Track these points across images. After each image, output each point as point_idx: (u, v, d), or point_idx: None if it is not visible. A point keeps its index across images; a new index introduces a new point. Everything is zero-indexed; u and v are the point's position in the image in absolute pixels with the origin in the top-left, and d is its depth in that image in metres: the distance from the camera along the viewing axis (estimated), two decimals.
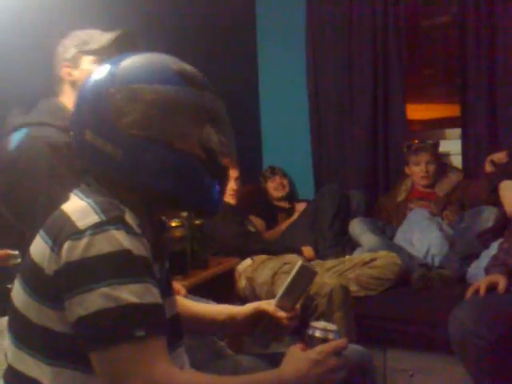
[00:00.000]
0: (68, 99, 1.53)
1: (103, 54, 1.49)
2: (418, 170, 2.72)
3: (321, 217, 2.68)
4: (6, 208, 1.44)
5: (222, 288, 2.00)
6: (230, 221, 2.40)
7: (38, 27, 1.86)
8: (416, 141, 2.78)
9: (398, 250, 2.41)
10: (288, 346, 0.95)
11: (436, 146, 2.79)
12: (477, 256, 2.28)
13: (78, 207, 0.88)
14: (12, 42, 1.81)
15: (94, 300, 0.80)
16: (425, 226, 2.48)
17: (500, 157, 2.49)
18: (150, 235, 0.92)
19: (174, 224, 1.92)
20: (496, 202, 2.38)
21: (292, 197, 3.14)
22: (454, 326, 1.65)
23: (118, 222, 0.84)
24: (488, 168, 2.52)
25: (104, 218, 0.84)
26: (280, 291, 1.15)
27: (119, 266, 0.82)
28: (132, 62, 0.93)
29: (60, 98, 1.55)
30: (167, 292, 0.97)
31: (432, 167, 2.71)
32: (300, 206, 2.93)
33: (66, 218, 0.86)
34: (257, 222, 2.76)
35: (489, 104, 2.72)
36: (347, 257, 2.47)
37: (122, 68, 0.92)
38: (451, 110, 3.08)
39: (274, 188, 3.04)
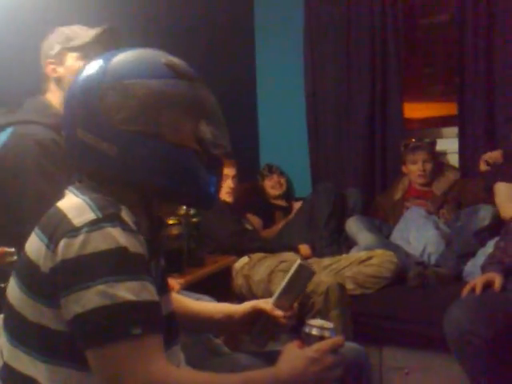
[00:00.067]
0: (54, 96, 1.53)
1: (88, 51, 1.49)
2: (415, 168, 2.72)
3: (316, 215, 2.68)
4: None
5: (219, 286, 2.00)
6: (227, 219, 2.40)
7: (27, 26, 1.85)
8: (413, 139, 2.79)
9: (395, 248, 2.41)
10: (285, 344, 0.95)
11: (433, 144, 2.80)
12: (473, 254, 2.29)
13: (73, 204, 0.88)
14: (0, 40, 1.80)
15: (90, 298, 0.79)
16: (421, 224, 2.49)
17: (493, 156, 2.50)
18: (146, 232, 0.92)
19: (170, 222, 1.91)
20: (492, 200, 2.40)
21: (289, 195, 3.15)
22: (450, 324, 1.65)
23: (114, 219, 0.84)
24: (482, 167, 2.54)
25: (100, 216, 0.84)
26: (278, 290, 1.15)
27: (115, 264, 0.82)
28: (122, 57, 0.93)
29: (46, 95, 1.54)
30: (163, 289, 0.97)
31: (429, 166, 2.71)
32: (297, 205, 2.93)
33: (61, 216, 0.86)
34: (254, 220, 2.76)
35: (486, 103, 2.73)
36: (344, 255, 2.48)
37: (112, 64, 0.92)
38: (449, 109, 3.09)
39: (272, 186, 3.04)
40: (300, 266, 1.11)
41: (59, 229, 0.84)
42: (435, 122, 3.21)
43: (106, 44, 1.50)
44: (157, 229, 1.00)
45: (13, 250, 1.23)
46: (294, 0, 3.13)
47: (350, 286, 2.21)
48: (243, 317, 1.16)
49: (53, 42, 1.53)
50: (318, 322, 0.96)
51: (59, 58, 1.52)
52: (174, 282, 1.65)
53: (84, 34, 1.52)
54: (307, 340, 0.93)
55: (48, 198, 1.32)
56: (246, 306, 1.18)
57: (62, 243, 0.82)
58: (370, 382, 1.23)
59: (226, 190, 2.51)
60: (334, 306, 2.03)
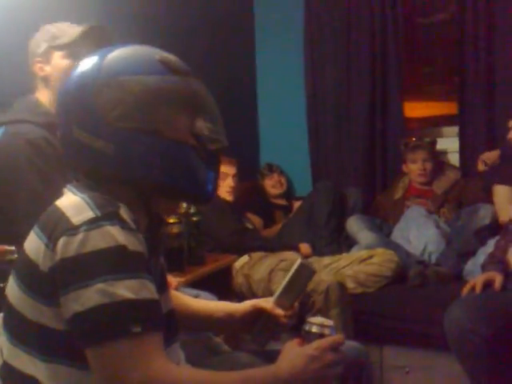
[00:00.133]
0: (43, 95, 1.52)
1: (74, 49, 1.48)
2: (415, 167, 2.72)
3: (316, 214, 2.67)
4: None
5: (219, 285, 2.00)
6: (228, 218, 2.40)
7: (17, 25, 1.82)
8: (413, 138, 2.79)
9: (395, 247, 2.41)
10: (285, 343, 0.95)
11: (433, 143, 2.80)
12: (473, 253, 2.29)
13: (72, 203, 0.87)
14: None
15: (89, 296, 0.79)
16: (422, 223, 2.49)
17: (491, 156, 2.51)
18: (145, 230, 0.92)
19: (171, 220, 1.91)
20: (492, 200, 2.40)
21: (289, 194, 3.14)
22: (450, 323, 1.65)
23: (113, 218, 0.84)
24: (480, 167, 2.54)
25: (99, 214, 0.83)
26: (279, 289, 1.14)
27: (115, 262, 0.82)
28: (116, 54, 0.93)
29: (36, 94, 1.54)
30: (162, 287, 0.97)
31: (429, 165, 2.71)
32: (298, 205, 2.93)
33: (60, 214, 0.85)
34: (254, 220, 2.76)
35: (487, 102, 2.73)
36: (344, 254, 2.48)
37: (107, 61, 0.91)
38: (449, 108, 3.09)
39: (272, 185, 3.04)
40: (301, 265, 1.11)
41: (58, 227, 0.84)
42: (435, 122, 3.21)
43: (94, 42, 1.49)
44: (156, 227, 0.99)
45: (13, 248, 1.23)
46: (295, 0, 3.13)
47: (350, 284, 2.21)
48: (244, 316, 1.16)
49: (39, 41, 1.52)
50: (317, 319, 0.95)
51: (46, 57, 1.51)
52: (172, 279, 1.65)
53: (70, 31, 1.50)
54: (307, 338, 0.93)
55: (42, 196, 1.32)
56: (247, 304, 1.17)
57: (61, 242, 0.82)
58: (370, 381, 1.23)
59: (227, 189, 2.51)
60: (334, 305, 2.03)
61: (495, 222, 2.35)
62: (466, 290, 1.77)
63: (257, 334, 1.15)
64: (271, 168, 3.08)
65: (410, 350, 2.10)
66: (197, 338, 1.47)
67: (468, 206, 2.52)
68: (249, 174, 2.96)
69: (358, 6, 2.95)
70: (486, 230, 2.35)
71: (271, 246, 2.43)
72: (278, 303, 1.13)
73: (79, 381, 0.86)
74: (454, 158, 2.89)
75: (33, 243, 0.88)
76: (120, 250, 0.82)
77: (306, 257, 2.43)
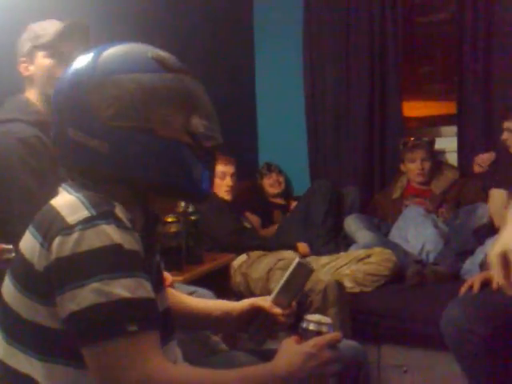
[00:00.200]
0: (32, 94, 1.52)
1: (56, 48, 1.48)
2: (413, 167, 2.72)
3: (313, 214, 2.67)
4: None
5: (217, 284, 2.00)
6: (226, 217, 2.40)
7: (8, 25, 1.81)
8: (412, 138, 2.79)
9: (393, 246, 2.41)
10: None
11: (432, 143, 2.80)
12: (471, 252, 2.29)
13: (67, 202, 0.87)
14: None
15: (85, 295, 0.79)
16: (420, 222, 2.49)
17: (485, 158, 2.51)
18: (141, 229, 0.91)
19: (169, 219, 1.91)
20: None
21: (288, 194, 3.14)
22: (448, 322, 1.65)
23: (109, 217, 0.83)
24: (476, 169, 2.54)
25: (94, 213, 0.83)
26: (276, 288, 1.14)
27: (110, 261, 0.81)
28: (110, 53, 0.92)
29: (26, 93, 1.54)
30: (159, 286, 0.97)
31: (427, 164, 2.71)
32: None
33: (55, 213, 0.85)
34: (252, 219, 2.76)
35: (485, 102, 2.73)
36: (342, 253, 2.48)
37: (101, 60, 0.91)
38: (448, 108, 3.09)
39: (270, 185, 3.04)
40: (299, 264, 1.11)
41: (53, 227, 0.83)
42: (434, 121, 3.21)
43: (76, 39, 1.48)
44: (152, 225, 0.99)
45: (10, 246, 1.22)
46: (294, 0, 3.13)
47: (348, 284, 2.21)
48: (241, 314, 1.16)
49: (24, 40, 1.52)
50: (315, 317, 0.96)
51: (30, 57, 1.51)
52: (167, 275, 1.64)
53: (51, 30, 1.50)
54: (304, 335, 0.93)
55: (36, 196, 1.32)
56: (244, 303, 1.17)
57: (56, 241, 0.82)
58: (368, 380, 1.23)
59: (225, 188, 2.51)
60: (332, 304, 2.03)
61: (493, 219, 2.35)
62: (463, 289, 1.77)
63: (254, 333, 1.15)
64: (270, 167, 3.08)
65: (408, 349, 2.10)
66: (195, 336, 1.47)
67: (466, 206, 2.52)
68: (247, 173, 2.96)
69: (357, 5, 2.95)
70: (485, 229, 2.35)
71: (269, 245, 2.43)
72: (276, 302, 1.13)
73: (75, 380, 0.86)
74: (453, 158, 2.89)
75: (28, 242, 0.88)
76: (116, 249, 0.82)
77: (303, 256, 2.43)
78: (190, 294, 1.58)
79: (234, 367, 0.93)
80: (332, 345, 0.91)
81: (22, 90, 1.55)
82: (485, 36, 2.70)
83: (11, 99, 1.53)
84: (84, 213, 0.83)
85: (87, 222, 0.82)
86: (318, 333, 0.93)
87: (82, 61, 0.93)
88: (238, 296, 2.13)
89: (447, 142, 2.92)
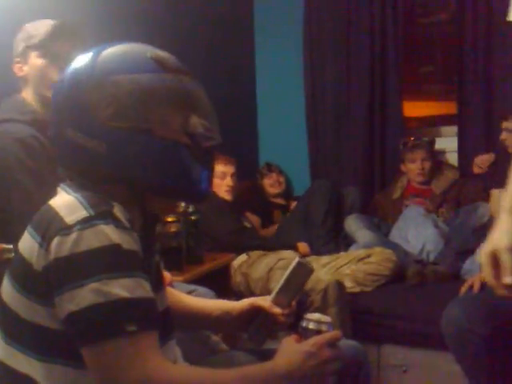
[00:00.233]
0: (28, 94, 1.52)
1: (48, 48, 1.47)
2: (413, 167, 2.72)
3: (313, 213, 2.67)
4: None
5: (217, 283, 2.00)
6: (226, 217, 2.40)
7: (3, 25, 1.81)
8: (412, 138, 2.79)
9: (394, 246, 2.41)
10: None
11: (432, 143, 2.80)
12: (472, 252, 2.29)
13: (65, 202, 0.87)
14: None
15: (84, 295, 0.79)
16: (420, 222, 2.49)
17: (485, 159, 2.51)
18: (139, 228, 0.91)
19: (169, 219, 1.91)
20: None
21: (288, 194, 3.14)
22: (448, 322, 1.65)
23: (107, 217, 0.83)
24: (476, 170, 2.54)
25: (92, 213, 0.83)
26: (276, 287, 1.14)
27: (109, 261, 0.81)
28: (109, 53, 0.92)
29: (22, 94, 1.53)
30: (158, 286, 0.97)
31: (428, 164, 2.71)
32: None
33: (53, 214, 0.85)
34: (253, 219, 2.76)
35: (485, 102, 2.73)
36: (342, 253, 2.48)
37: (100, 60, 0.91)
38: (448, 108, 3.09)
39: (271, 185, 3.04)
40: (298, 263, 1.11)
41: (52, 227, 0.83)
42: (434, 121, 3.21)
43: (67, 39, 1.48)
44: (151, 225, 0.99)
45: (11, 246, 1.23)
46: (295, 0, 3.13)
47: (348, 283, 2.21)
48: (241, 314, 1.15)
49: (19, 41, 1.52)
50: (315, 316, 0.96)
51: (23, 57, 1.51)
52: (166, 273, 1.64)
53: (43, 29, 1.49)
54: (304, 334, 0.93)
55: (35, 195, 1.32)
56: (244, 303, 1.17)
57: (54, 241, 0.82)
58: (368, 380, 1.23)
59: (225, 188, 2.51)
60: (332, 304, 2.03)
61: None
62: (464, 288, 1.77)
63: (254, 333, 1.15)
64: (270, 167, 3.08)
65: (408, 348, 2.10)
66: (195, 336, 1.47)
67: (466, 205, 2.52)
68: (248, 173, 2.96)
69: (357, 5, 2.95)
70: (485, 228, 2.34)
71: (270, 245, 2.43)
72: (276, 302, 1.13)
73: (75, 380, 0.86)
74: (453, 158, 2.89)
75: (26, 243, 0.88)
76: (114, 249, 0.82)
77: (304, 256, 2.43)
78: (190, 292, 1.58)
79: (234, 367, 0.93)
80: (332, 343, 0.91)
81: (18, 91, 1.55)
82: (485, 36, 2.70)
83: (7, 100, 1.53)
84: (82, 213, 0.83)
85: (85, 222, 0.82)
86: (318, 331, 0.93)
87: (82, 60, 0.93)
88: (238, 296, 2.12)
89: (447, 142, 2.92)
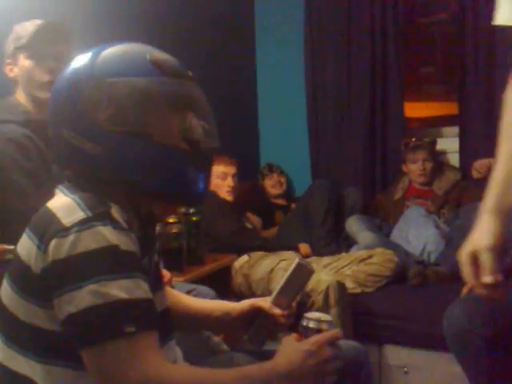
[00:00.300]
0: (19, 95, 1.52)
1: (35, 49, 1.47)
2: (415, 167, 2.72)
3: (312, 214, 2.66)
4: None
5: (218, 284, 2.00)
6: (227, 217, 2.40)
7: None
8: (413, 139, 2.79)
9: (395, 247, 2.41)
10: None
11: (433, 143, 2.80)
12: None
13: (63, 204, 0.87)
14: None
15: (83, 297, 0.79)
16: (421, 223, 2.49)
17: (483, 164, 2.50)
18: (137, 229, 0.91)
19: (170, 220, 1.91)
20: None
21: (289, 194, 3.14)
22: (449, 323, 1.65)
23: (105, 218, 0.83)
24: (475, 175, 2.53)
25: (90, 215, 0.83)
26: (276, 288, 1.14)
27: (107, 262, 0.81)
28: (108, 54, 0.91)
29: (15, 95, 1.54)
30: (157, 286, 0.97)
31: (429, 165, 2.71)
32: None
33: (51, 216, 0.85)
34: (254, 220, 2.76)
35: (487, 102, 2.72)
36: (343, 254, 2.47)
37: (98, 62, 0.90)
38: (449, 108, 3.08)
39: (272, 185, 3.04)
40: (298, 264, 1.11)
41: (49, 229, 0.83)
42: (435, 122, 3.21)
43: (52, 40, 1.47)
44: (149, 225, 0.99)
45: (12, 247, 1.22)
46: (295, 0, 3.13)
47: (350, 284, 2.21)
48: (241, 314, 1.15)
49: (9, 42, 1.52)
50: (315, 314, 0.95)
51: (13, 58, 1.51)
52: (165, 272, 1.64)
53: (30, 30, 1.49)
54: (305, 333, 0.93)
55: (31, 195, 1.32)
56: (245, 303, 1.17)
57: (52, 243, 0.82)
58: (369, 381, 1.22)
59: (227, 189, 2.51)
60: (333, 305, 2.03)
61: None
62: (465, 289, 1.76)
63: (254, 334, 1.15)
64: (271, 168, 3.08)
65: (409, 349, 2.09)
66: (195, 336, 1.47)
67: (467, 205, 2.52)
68: (249, 173, 2.96)
69: (358, 5, 2.95)
70: None
71: (271, 246, 2.43)
72: (276, 303, 1.13)
73: (75, 381, 0.86)
74: (454, 159, 2.89)
75: (24, 245, 0.88)
76: (112, 250, 0.81)
77: (305, 257, 2.43)
78: (190, 290, 1.58)
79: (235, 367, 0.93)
80: (332, 342, 0.91)
81: (11, 92, 1.55)
82: (486, 36, 2.69)
83: (0, 101, 1.53)
84: (80, 214, 0.83)
85: (83, 224, 0.82)
86: (318, 330, 0.93)
87: (81, 60, 0.92)
88: (239, 297, 2.12)
89: (449, 143, 2.92)
